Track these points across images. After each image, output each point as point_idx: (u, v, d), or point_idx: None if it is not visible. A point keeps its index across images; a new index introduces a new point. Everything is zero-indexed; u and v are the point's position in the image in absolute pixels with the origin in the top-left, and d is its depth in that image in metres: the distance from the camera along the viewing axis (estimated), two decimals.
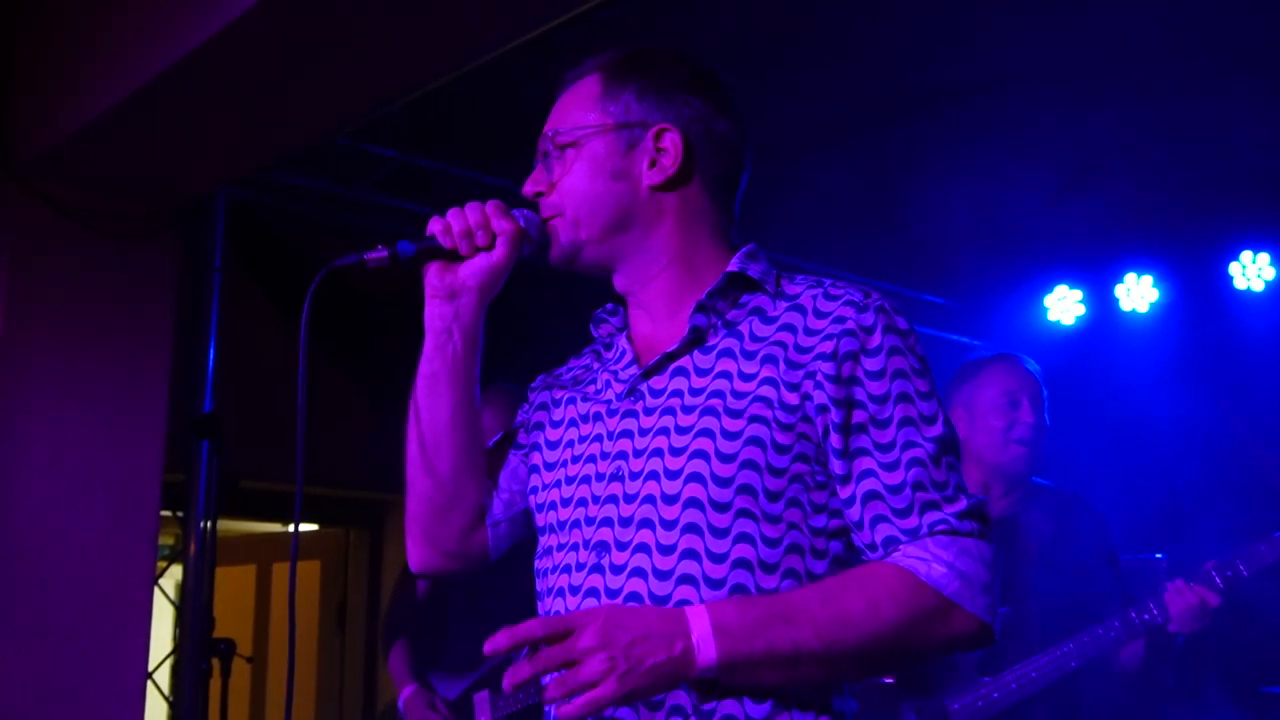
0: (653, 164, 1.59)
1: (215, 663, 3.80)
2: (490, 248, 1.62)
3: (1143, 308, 6.10)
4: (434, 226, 1.63)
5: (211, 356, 4.27)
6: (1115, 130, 5.00)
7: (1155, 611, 2.86)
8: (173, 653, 4.29)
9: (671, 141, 1.59)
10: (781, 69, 4.36)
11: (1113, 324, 6.22)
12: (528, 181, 1.66)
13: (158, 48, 3.21)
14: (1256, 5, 4.08)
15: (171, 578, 4.38)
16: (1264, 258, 5.82)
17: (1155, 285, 6.08)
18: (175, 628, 4.44)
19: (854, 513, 1.45)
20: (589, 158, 1.60)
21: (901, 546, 1.42)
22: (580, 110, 1.63)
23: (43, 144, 3.72)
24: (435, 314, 1.66)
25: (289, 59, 3.17)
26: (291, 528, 6.90)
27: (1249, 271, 5.84)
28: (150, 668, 4.02)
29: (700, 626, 1.35)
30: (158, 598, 4.03)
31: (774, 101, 4.44)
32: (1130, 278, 6.13)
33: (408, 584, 3.95)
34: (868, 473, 1.44)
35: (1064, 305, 6.40)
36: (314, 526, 6.49)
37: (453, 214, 1.62)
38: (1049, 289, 6.44)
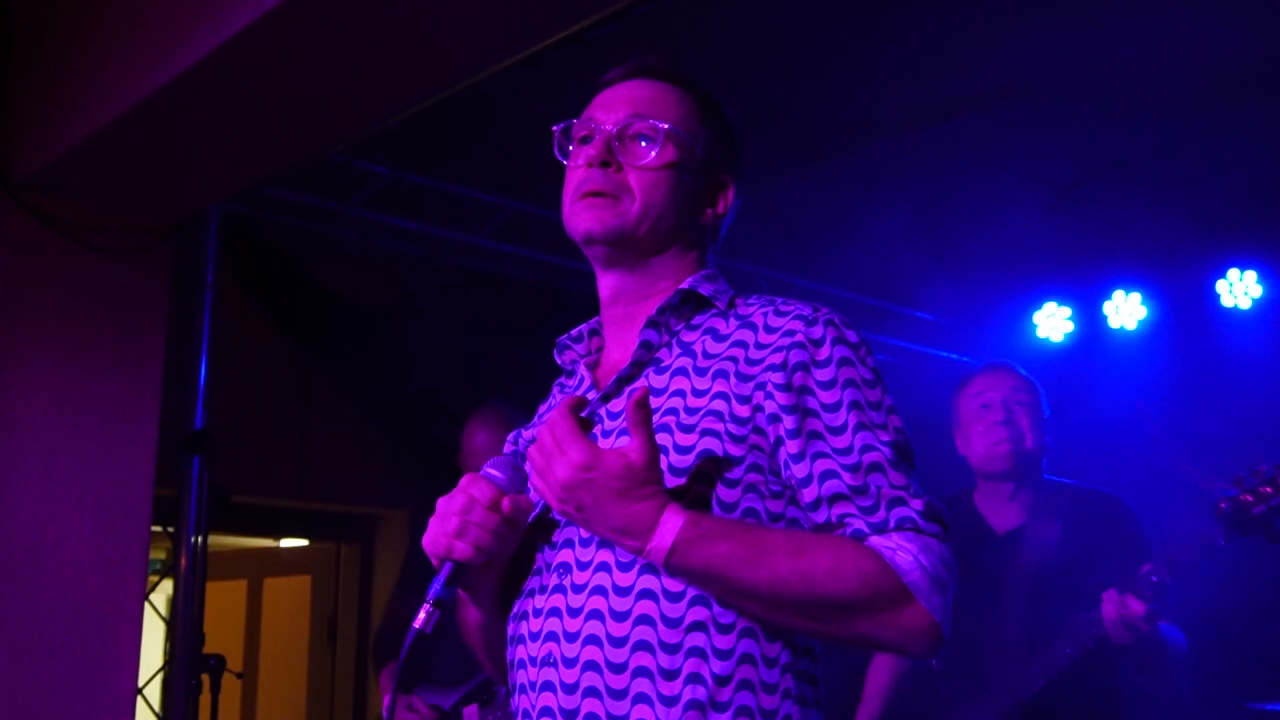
0: (709, 204, 1.68)
1: (205, 678, 3.81)
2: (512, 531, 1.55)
3: (1131, 325, 6.14)
4: (459, 551, 1.49)
5: (203, 372, 4.28)
6: (1103, 149, 5.03)
7: (1099, 624, 2.78)
8: (163, 668, 4.30)
9: (724, 197, 1.69)
10: (774, 86, 4.40)
11: (1101, 341, 6.26)
12: (597, 145, 1.61)
13: (151, 67, 3.23)
14: (1244, 27, 4.12)
15: (162, 593, 4.38)
16: (1251, 275, 5.87)
17: (1143, 303, 6.13)
18: (166, 643, 4.44)
19: (820, 515, 1.47)
20: (677, 168, 1.62)
21: (869, 538, 1.44)
22: (681, 120, 1.65)
23: (37, 162, 3.74)
24: (487, 592, 1.60)
25: (282, 77, 3.19)
26: (283, 543, 6.86)
27: (1236, 289, 5.89)
28: (140, 683, 4.02)
29: (662, 539, 1.40)
30: (148, 613, 4.04)
31: (762, 118, 4.47)
32: (1119, 295, 6.18)
33: (399, 602, 3.96)
34: (830, 473, 1.46)
35: (1053, 322, 6.44)
36: (305, 541, 6.50)
37: (470, 533, 1.49)
38: (1038, 306, 6.48)
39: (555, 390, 1.78)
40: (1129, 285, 6.16)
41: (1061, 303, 6.43)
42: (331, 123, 3.54)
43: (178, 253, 4.25)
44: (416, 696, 3.51)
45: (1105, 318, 6.23)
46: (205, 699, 3.81)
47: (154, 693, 4.26)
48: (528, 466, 1.57)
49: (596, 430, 1.57)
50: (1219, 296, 5.92)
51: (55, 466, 3.86)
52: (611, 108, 1.65)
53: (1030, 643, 2.90)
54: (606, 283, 1.67)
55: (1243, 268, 5.87)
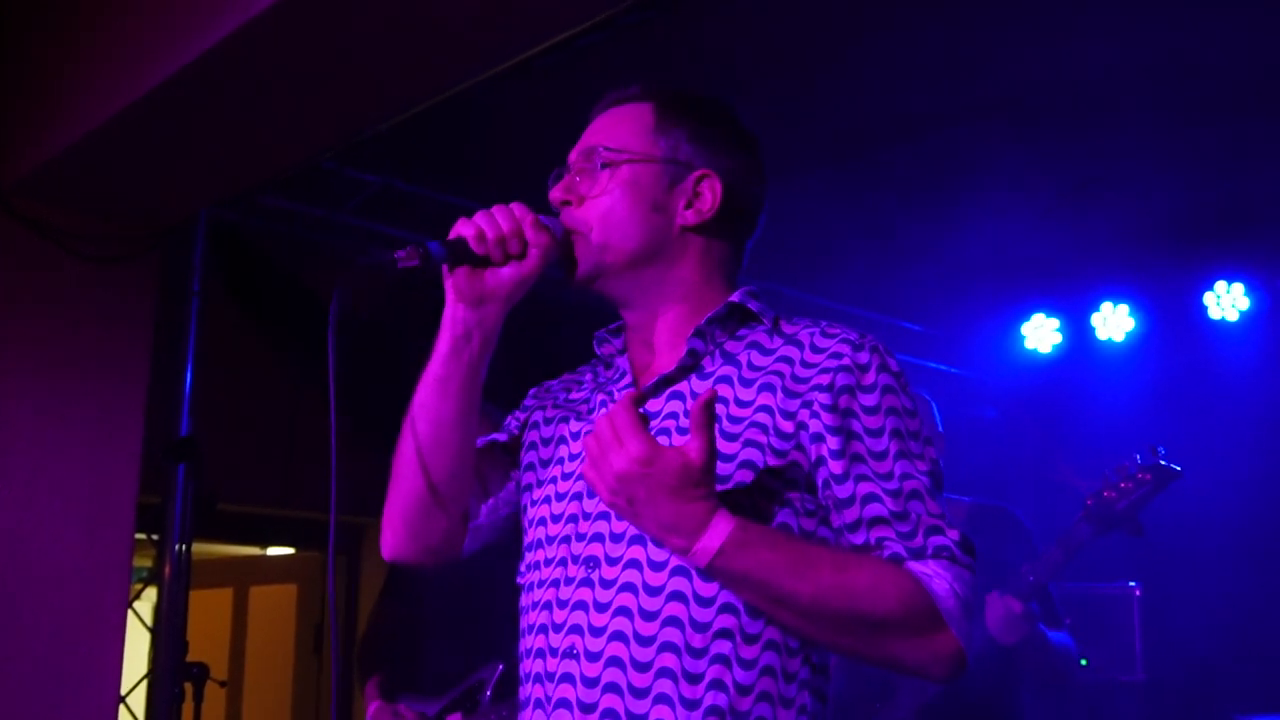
0: (689, 205, 1.62)
1: (188, 687, 3.78)
2: (522, 256, 1.56)
3: (1119, 336, 6.15)
4: (465, 230, 1.55)
5: (189, 379, 4.27)
6: (1091, 160, 5.05)
7: (983, 626, 2.82)
8: (146, 676, 4.27)
9: (710, 188, 1.63)
10: (759, 98, 4.40)
11: (1089, 352, 6.27)
12: (558, 187, 1.64)
13: (139, 72, 3.23)
14: (1233, 42, 4.14)
15: (147, 601, 4.36)
16: (1238, 288, 5.88)
17: (1131, 314, 6.14)
18: (150, 651, 4.42)
19: (858, 536, 1.48)
20: (632, 184, 1.61)
21: (907, 563, 1.46)
22: (631, 135, 1.63)
23: (24, 167, 3.73)
24: (459, 319, 1.59)
25: (272, 84, 3.18)
26: (270, 551, 6.83)
27: (1223, 302, 5.90)
28: (124, 691, 4.00)
29: (711, 540, 1.39)
30: (132, 621, 4.02)
31: (754, 129, 4.47)
32: (1106, 306, 6.19)
33: (385, 611, 3.93)
34: (873, 497, 1.47)
35: (1041, 333, 6.46)
36: (290, 550, 6.47)
37: (484, 218, 1.55)
38: (1026, 317, 6.49)
39: (587, 372, 1.76)
40: (1117, 297, 6.17)
41: (1050, 314, 6.45)
42: (321, 129, 3.54)
43: (165, 260, 4.24)
44: (402, 704, 3.49)
45: (1093, 329, 6.24)
46: (188, 708, 3.79)
47: (137, 701, 4.24)
48: (573, 446, 1.61)
49: None
50: (1207, 309, 5.93)
51: (39, 473, 3.85)
52: (575, 148, 1.67)
53: None
54: (624, 313, 1.69)
55: (1230, 280, 5.89)
